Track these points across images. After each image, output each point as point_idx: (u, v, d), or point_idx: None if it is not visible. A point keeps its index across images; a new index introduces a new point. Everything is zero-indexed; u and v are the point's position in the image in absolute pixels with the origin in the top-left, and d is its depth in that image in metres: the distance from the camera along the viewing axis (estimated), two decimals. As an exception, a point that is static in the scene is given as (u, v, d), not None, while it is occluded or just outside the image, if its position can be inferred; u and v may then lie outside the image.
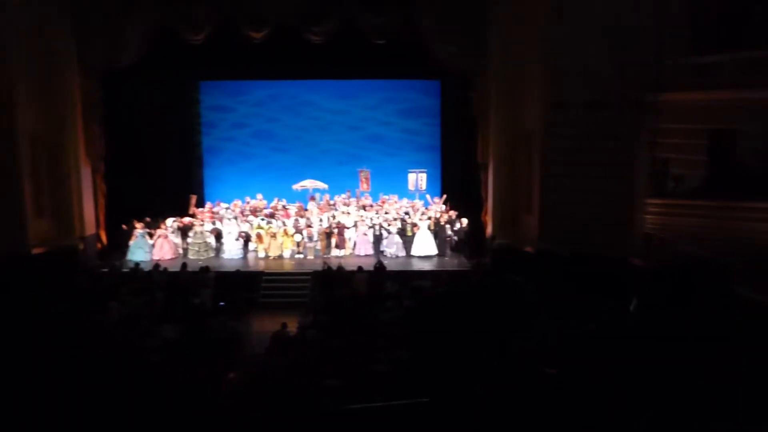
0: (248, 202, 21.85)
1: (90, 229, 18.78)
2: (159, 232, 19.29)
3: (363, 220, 19.92)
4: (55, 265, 16.49)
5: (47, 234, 17.24)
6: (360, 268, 15.57)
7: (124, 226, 19.08)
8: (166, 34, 17.99)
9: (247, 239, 19.57)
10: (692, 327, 4.45)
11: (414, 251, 19.27)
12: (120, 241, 19.27)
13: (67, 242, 17.75)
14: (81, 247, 18.13)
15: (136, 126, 21.40)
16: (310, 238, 19.41)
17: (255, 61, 20.28)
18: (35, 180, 16.84)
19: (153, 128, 22.22)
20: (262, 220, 20.23)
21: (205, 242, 19.43)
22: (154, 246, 19.05)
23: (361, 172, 22.49)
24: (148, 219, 19.44)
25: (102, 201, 19.35)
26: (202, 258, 18.91)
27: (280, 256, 19.33)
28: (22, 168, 16.35)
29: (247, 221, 20.20)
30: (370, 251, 19.46)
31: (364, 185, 22.39)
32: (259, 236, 19.52)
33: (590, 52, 15.31)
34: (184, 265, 16.20)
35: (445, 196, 21.46)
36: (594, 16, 15.29)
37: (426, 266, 18.17)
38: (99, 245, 19.29)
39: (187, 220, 19.86)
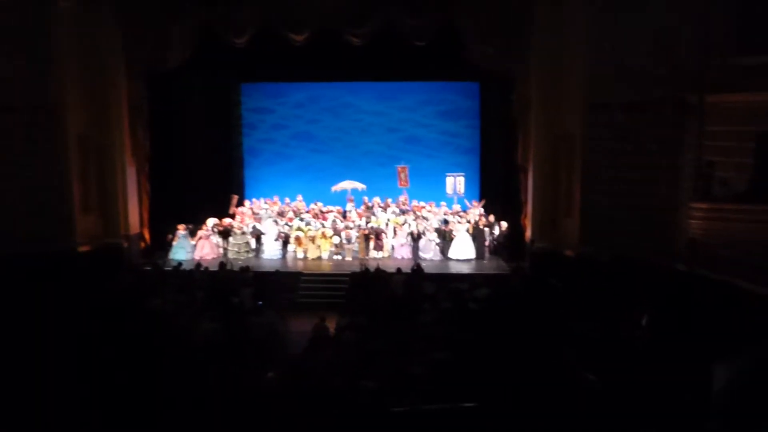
0: (287, 203, 22.10)
1: (134, 228, 19.19)
2: (200, 233, 19.65)
3: (401, 225, 19.90)
4: (100, 262, 17.00)
5: (94, 232, 17.74)
6: (398, 270, 15.56)
7: (169, 236, 19.58)
8: (210, 36, 18.28)
9: (286, 240, 19.77)
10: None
11: (452, 254, 19.22)
12: (163, 241, 19.72)
13: (112, 240, 18.20)
14: (125, 245, 18.52)
15: (179, 127, 21.82)
16: (348, 240, 19.52)
17: (295, 63, 20.48)
18: (83, 179, 17.42)
19: (195, 129, 22.63)
20: (301, 220, 20.47)
21: (246, 243, 19.73)
22: (196, 246, 19.44)
23: (399, 168, 22.50)
24: (190, 226, 19.90)
25: (146, 200, 19.74)
26: (241, 258, 19.22)
27: (319, 257, 19.50)
28: (72, 168, 16.94)
29: (288, 225, 20.41)
30: (408, 254, 19.48)
31: (403, 182, 22.38)
32: (298, 239, 19.71)
33: (634, 52, 15.05)
34: (223, 264, 16.42)
35: (483, 200, 21.37)
36: (638, 16, 15.02)
37: (464, 269, 18.09)
38: (142, 244, 19.70)
39: (227, 222, 20.18)
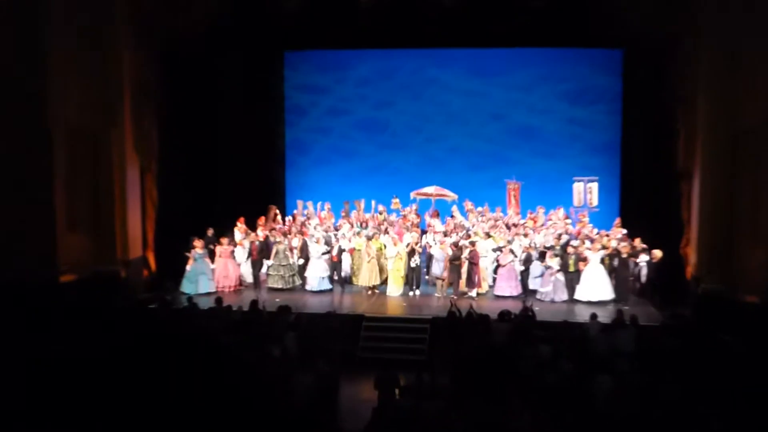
0: (344, 214, 22.52)
1: (135, 250, 19.79)
2: (220, 249, 20.25)
3: (507, 247, 19.84)
4: (87, 297, 17.17)
5: (80, 256, 18.10)
6: (502, 314, 15.47)
7: (187, 254, 20.04)
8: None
9: (338, 268, 20.15)
10: None
11: (580, 294, 19.03)
12: (174, 266, 20.25)
13: (105, 267, 18.67)
14: (123, 273, 19.07)
15: (199, 114, 22.41)
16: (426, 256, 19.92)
17: (361, 24, 20.87)
18: (70, 185, 17.60)
19: (221, 116, 23.33)
20: (363, 229, 21.05)
21: (290, 265, 20.28)
22: (215, 270, 20.09)
23: (510, 185, 22.48)
24: (210, 231, 20.47)
25: (152, 212, 20.43)
26: (283, 286, 19.99)
27: (382, 290, 19.93)
28: (55, 169, 17.04)
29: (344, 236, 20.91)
30: (516, 291, 19.47)
31: (513, 205, 22.40)
32: (352, 250, 20.28)
33: None
34: (255, 303, 16.62)
35: (619, 221, 21.16)
36: None
37: (598, 316, 17.80)
38: (146, 272, 20.36)
39: (261, 234, 20.81)
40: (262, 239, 20.67)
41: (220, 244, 20.36)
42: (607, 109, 23.47)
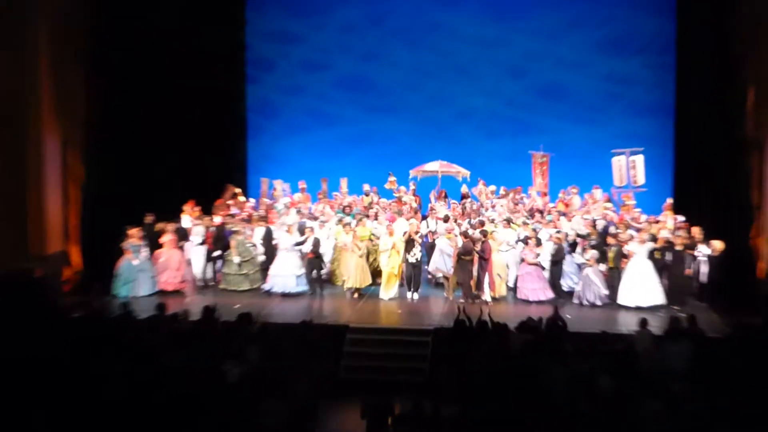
0: (322, 195, 22.42)
1: (54, 243, 19.70)
2: (163, 239, 20.17)
3: (533, 238, 19.81)
4: None
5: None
6: (524, 323, 15.42)
7: (122, 247, 19.91)
8: None
9: (316, 263, 20.08)
10: None
11: (622, 297, 19.01)
12: (103, 263, 20.05)
13: (14, 265, 18.40)
14: (38, 273, 18.86)
15: (138, 70, 22.18)
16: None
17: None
18: None
19: (166, 73, 23.05)
20: (347, 215, 21.01)
21: (252, 260, 20.30)
22: (157, 266, 20.02)
23: (537, 157, 22.40)
24: (150, 217, 20.36)
25: (75, 195, 20.32)
26: (246, 288, 19.99)
27: (371, 292, 19.87)
28: None
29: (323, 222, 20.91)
30: (544, 294, 19.44)
31: (539, 184, 22.27)
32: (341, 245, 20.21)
33: None
34: (208, 310, 16.51)
35: (670, 201, 21.07)
36: None
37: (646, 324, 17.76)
38: (67, 270, 20.21)
39: (217, 220, 20.81)
40: (219, 226, 20.63)
41: (163, 232, 20.23)
42: (655, 61, 23.57)
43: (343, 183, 22.71)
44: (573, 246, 19.65)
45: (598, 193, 21.68)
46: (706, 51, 21.38)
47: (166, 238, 20.16)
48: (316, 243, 20.04)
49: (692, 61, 22.44)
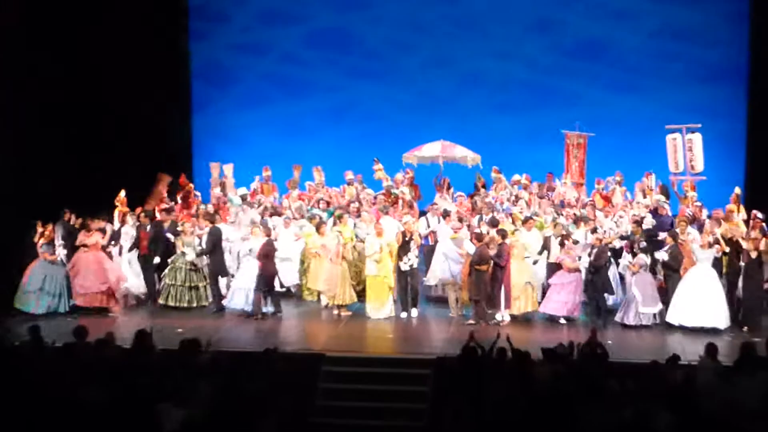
0: (292, 186, 22.42)
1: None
2: (85, 239, 19.96)
3: (570, 240, 19.77)
4: None
5: None
6: (551, 351, 15.25)
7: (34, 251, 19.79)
8: None
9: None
10: None
11: (677, 315, 18.98)
12: (4, 273, 20.09)
13: None
14: None
15: (51, 22, 22.08)
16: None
17: None
18: None
19: (88, 29, 23.10)
20: (323, 211, 21.09)
21: (202, 270, 20.25)
22: (76, 275, 19.89)
23: (571, 138, 22.29)
24: (68, 213, 20.36)
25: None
26: (191, 305, 20.05)
27: (356, 309, 19.93)
28: None
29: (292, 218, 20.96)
30: (575, 310, 19.40)
31: (574, 172, 22.18)
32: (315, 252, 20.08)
33: None
34: (143, 334, 16.38)
35: (737, 193, 20.94)
36: None
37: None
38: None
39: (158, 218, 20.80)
40: (155, 223, 20.64)
41: (87, 231, 20.09)
42: (723, 11, 23.27)
43: (319, 171, 22.53)
44: (616, 252, 19.50)
45: (650, 179, 21.44)
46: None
47: (89, 238, 19.95)
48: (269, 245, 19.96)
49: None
